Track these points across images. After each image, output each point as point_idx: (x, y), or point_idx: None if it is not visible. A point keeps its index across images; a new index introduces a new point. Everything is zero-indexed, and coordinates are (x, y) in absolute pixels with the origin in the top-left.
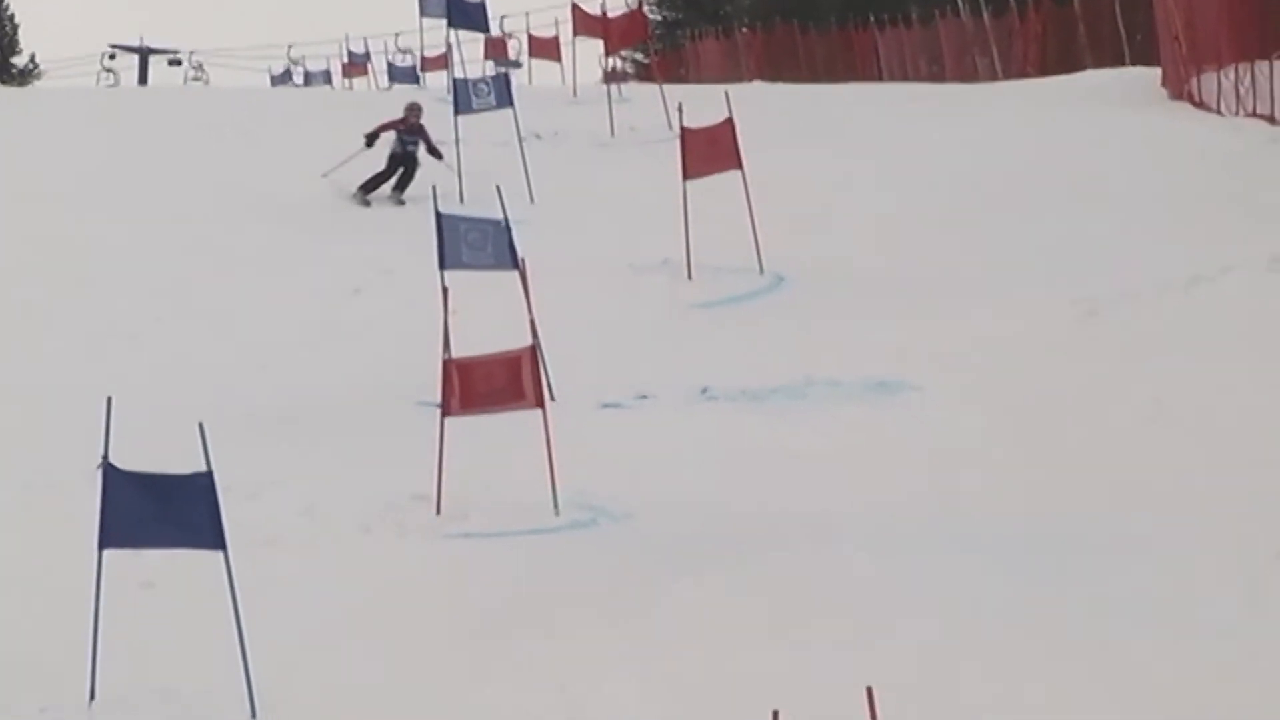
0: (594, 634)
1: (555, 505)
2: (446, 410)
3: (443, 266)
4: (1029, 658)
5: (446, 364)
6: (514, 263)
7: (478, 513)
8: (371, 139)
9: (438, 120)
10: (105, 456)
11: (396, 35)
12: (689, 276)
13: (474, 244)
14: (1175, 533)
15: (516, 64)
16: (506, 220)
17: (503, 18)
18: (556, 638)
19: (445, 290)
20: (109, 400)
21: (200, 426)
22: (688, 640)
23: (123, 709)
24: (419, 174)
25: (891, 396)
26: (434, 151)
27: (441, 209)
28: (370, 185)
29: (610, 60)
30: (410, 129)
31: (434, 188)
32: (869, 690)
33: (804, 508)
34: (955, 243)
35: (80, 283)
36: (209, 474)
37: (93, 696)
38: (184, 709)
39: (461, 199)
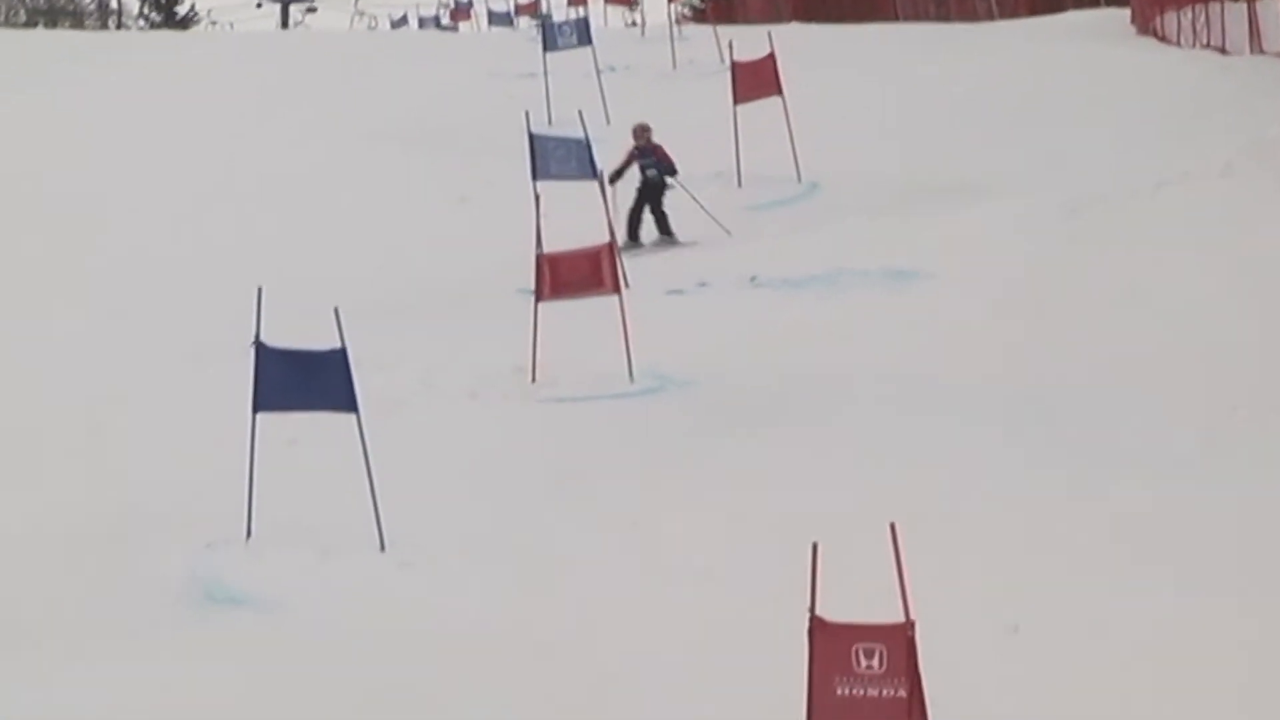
0: (662, 480)
1: (630, 374)
2: (539, 296)
3: (535, 177)
4: (1026, 497)
5: (539, 258)
6: (594, 174)
7: (566, 381)
8: (616, 177)
9: (529, 57)
10: (257, 336)
11: None
12: (739, 184)
13: (560, 159)
14: (1145, 395)
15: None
16: (587, 138)
17: None
18: (631, 484)
19: (537, 197)
20: (259, 289)
21: (335, 311)
22: (740, 484)
23: (274, 544)
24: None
25: (908, 283)
26: (672, 169)
27: (533, 130)
28: (632, 227)
29: (673, 6)
30: (643, 151)
31: (527, 113)
32: (892, 525)
33: (836, 375)
34: (959, 154)
35: (235, 195)
36: (343, 350)
37: (249, 534)
38: (325, 544)
39: (550, 121)
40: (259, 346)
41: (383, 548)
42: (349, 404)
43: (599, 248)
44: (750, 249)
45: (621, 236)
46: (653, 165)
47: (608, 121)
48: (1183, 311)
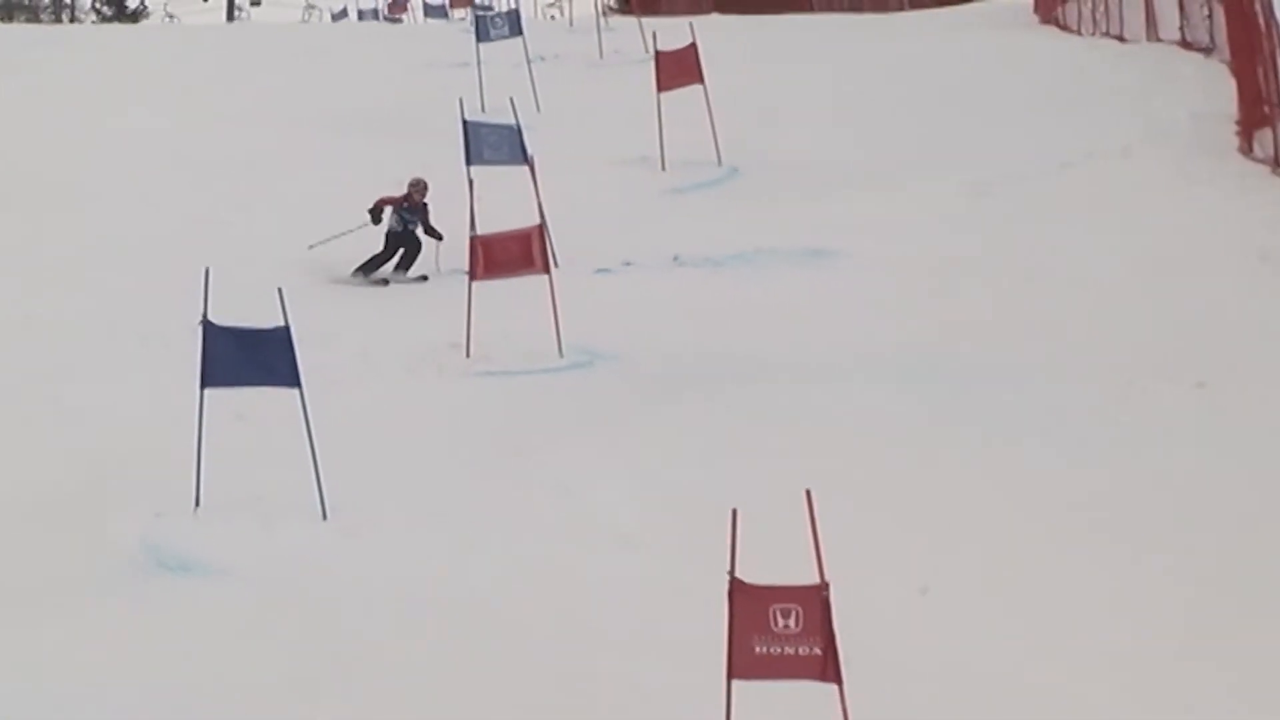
0: (590, 449)
1: (560, 349)
2: (473, 276)
3: (469, 162)
4: (935, 462)
5: (472, 240)
6: (525, 159)
7: (499, 356)
8: (375, 215)
9: (463, 48)
10: (205, 315)
11: None
12: (663, 168)
13: (493, 144)
14: (1050, 365)
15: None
16: (519, 125)
17: None
18: (561, 452)
19: (470, 181)
20: (206, 270)
21: (279, 291)
22: (664, 452)
23: (221, 513)
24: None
25: (822, 261)
26: (431, 231)
27: (467, 117)
28: (370, 267)
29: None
30: (413, 206)
31: (461, 101)
32: (808, 492)
33: (756, 349)
34: (871, 139)
35: (184, 180)
36: (287, 328)
37: (197, 504)
38: (269, 513)
39: (483, 109)
40: (206, 325)
41: (325, 516)
42: (292, 380)
43: (529, 230)
44: (673, 230)
45: (355, 274)
46: (414, 222)
47: (538, 109)
48: (1084, 284)
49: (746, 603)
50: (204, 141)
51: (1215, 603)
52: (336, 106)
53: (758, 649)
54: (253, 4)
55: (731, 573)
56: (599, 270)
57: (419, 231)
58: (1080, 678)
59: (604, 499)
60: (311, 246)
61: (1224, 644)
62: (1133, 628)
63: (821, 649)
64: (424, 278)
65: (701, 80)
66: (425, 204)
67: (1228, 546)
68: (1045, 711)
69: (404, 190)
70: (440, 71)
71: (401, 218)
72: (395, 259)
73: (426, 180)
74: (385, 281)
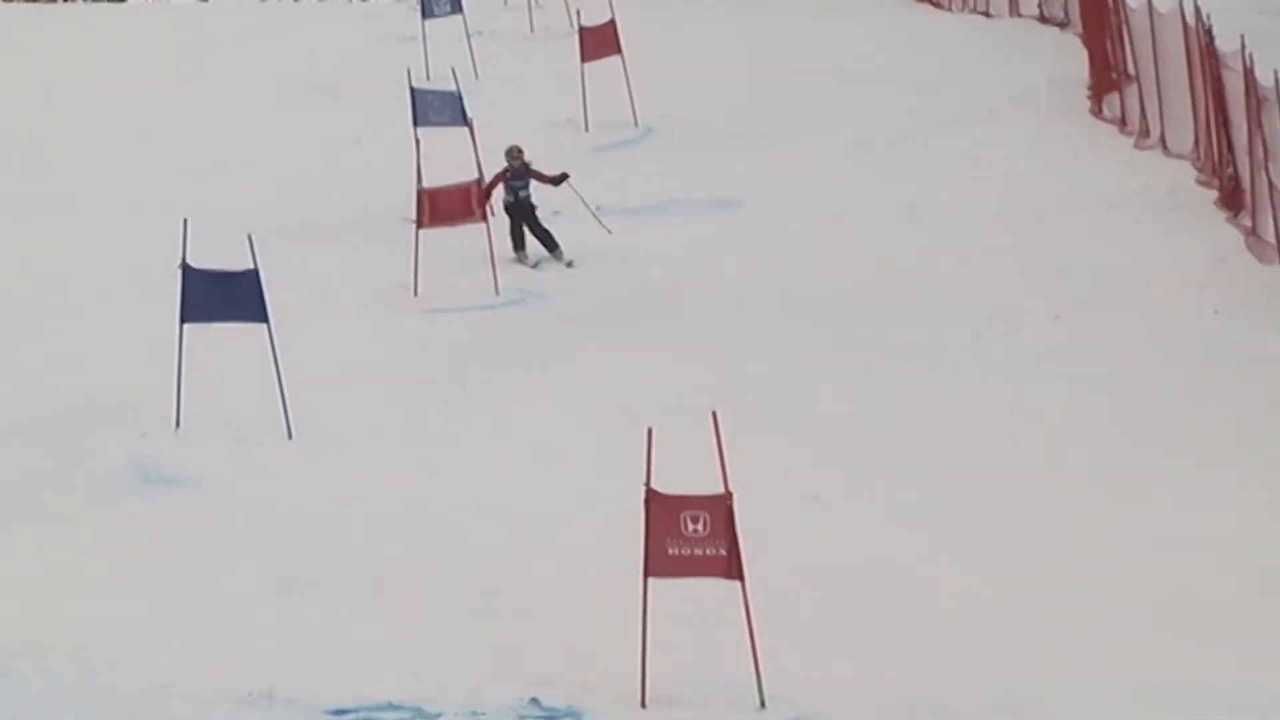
0: (524, 376)
1: (496, 289)
2: (420, 224)
3: (415, 124)
4: (826, 384)
5: (419, 192)
6: (465, 121)
7: (443, 295)
8: (486, 200)
9: (411, 23)
10: (184, 259)
11: None
12: (586, 129)
13: (437, 108)
14: (925, 299)
15: None
16: (459, 91)
17: None
18: (498, 379)
19: (418, 141)
20: (185, 220)
21: (249, 238)
22: (590, 378)
23: (199, 434)
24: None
25: (729, 209)
26: (550, 180)
27: (414, 84)
28: (517, 242)
29: None
30: (516, 173)
31: (408, 70)
32: (714, 413)
33: (670, 287)
34: (770, 101)
35: (165, 140)
36: (256, 270)
37: (178, 425)
38: (242, 434)
39: (428, 77)
40: (185, 268)
41: (290, 436)
42: (261, 316)
43: (469, 184)
44: (596, 184)
45: (509, 249)
46: (524, 186)
47: (477, 76)
48: (955, 229)
49: (660, 510)
50: (184, 107)
51: (1081, 505)
52: (301, 74)
53: (670, 550)
54: None
55: (647, 484)
56: None
57: (532, 197)
58: (963, 574)
59: (536, 420)
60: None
61: (1090, 542)
62: (1010, 532)
63: (726, 550)
64: (567, 263)
65: (620, 51)
66: (527, 164)
67: (1089, 455)
68: (931, 603)
69: (502, 165)
70: (390, 44)
71: (511, 187)
72: (529, 232)
73: (519, 146)
74: (569, 264)
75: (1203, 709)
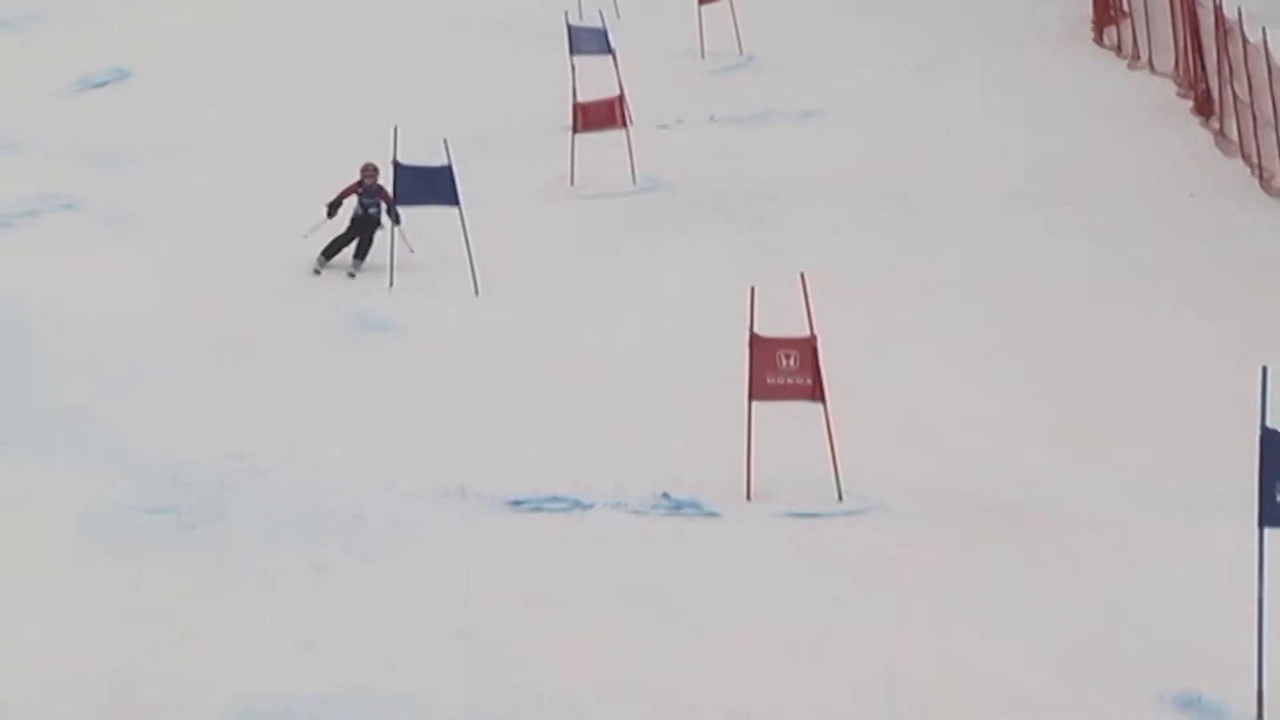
0: (654, 248)
1: (634, 179)
2: (575, 130)
3: (571, 53)
4: (889, 253)
5: (575, 105)
6: (610, 50)
7: (592, 184)
8: (333, 208)
9: None
10: (394, 157)
11: None
12: (702, 57)
13: (587, 41)
14: (964, 189)
15: None
16: (605, 27)
17: None
18: (636, 251)
19: (573, 66)
20: (395, 128)
21: (445, 141)
22: (706, 251)
23: (406, 291)
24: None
25: (812, 118)
26: (392, 213)
27: (570, 22)
28: (331, 250)
29: None
30: (368, 191)
31: (565, 11)
32: (801, 275)
33: (767, 178)
34: (845, 34)
35: (364, 72)
36: (450, 167)
37: (391, 284)
38: (439, 291)
39: (580, 15)
40: (396, 164)
41: (476, 293)
42: (454, 200)
43: (612, 99)
44: (710, 98)
45: (319, 259)
46: (375, 205)
47: (618, 16)
48: (988, 134)
49: (760, 349)
50: (381, 42)
51: (1091, 343)
52: (476, 13)
53: (769, 380)
54: None
55: (751, 329)
56: (660, 126)
57: (382, 215)
58: (999, 398)
59: (664, 281)
60: (305, 236)
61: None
62: (1034, 364)
63: (812, 380)
64: (352, 275)
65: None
66: (379, 185)
67: (1097, 307)
68: (974, 420)
69: (356, 178)
70: None
71: (362, 203)
72: (355, 245)
73: (375, 164)
74: (351, 275)
75: (1187, 503)
